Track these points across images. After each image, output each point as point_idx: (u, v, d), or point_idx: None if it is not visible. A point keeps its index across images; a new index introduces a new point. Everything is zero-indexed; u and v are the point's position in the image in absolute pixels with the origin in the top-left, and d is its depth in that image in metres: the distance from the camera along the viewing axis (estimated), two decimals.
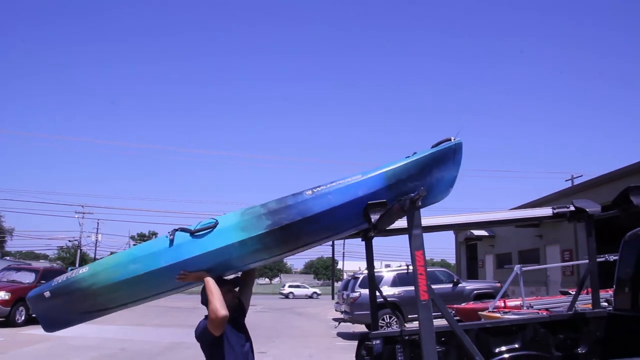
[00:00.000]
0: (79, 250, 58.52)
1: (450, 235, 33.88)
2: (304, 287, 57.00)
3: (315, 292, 55.25)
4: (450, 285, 15.53)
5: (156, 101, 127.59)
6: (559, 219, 4.45)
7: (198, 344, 3.03)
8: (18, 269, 17.31)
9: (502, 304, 11.28)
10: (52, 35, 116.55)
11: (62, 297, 3.19)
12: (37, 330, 13.78)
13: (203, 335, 2.94)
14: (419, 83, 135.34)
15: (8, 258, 34.53)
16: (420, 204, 2.87)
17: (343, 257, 67.05)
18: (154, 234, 62.34)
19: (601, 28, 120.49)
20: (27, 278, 15.96)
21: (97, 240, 59.38)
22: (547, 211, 4.42)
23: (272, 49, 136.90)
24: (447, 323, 3.22)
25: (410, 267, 3.01)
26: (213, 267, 3.04)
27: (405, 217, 2.93)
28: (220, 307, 2.82)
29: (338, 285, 38.22)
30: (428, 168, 3.27)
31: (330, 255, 57.13)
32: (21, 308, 14.75)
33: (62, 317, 3.35)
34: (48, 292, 3.22)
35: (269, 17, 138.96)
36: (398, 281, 14.67)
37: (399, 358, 3.91)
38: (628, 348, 3.85)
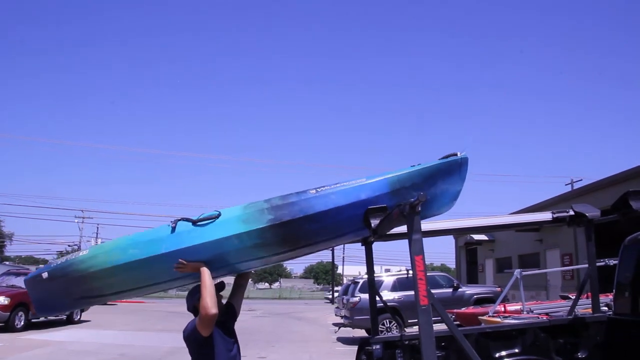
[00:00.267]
0: None
1: (450, 239, 33.95)
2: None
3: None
4: (450, 290, 15.50)
5: (156, 105, 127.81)
6: (558, 224, 4.45)
7: None
8: (17, 274, 17.27)
9: (502, 309, 11.28)
10: (51, 35, 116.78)
11: (59, 279, 3.18)
12: (36, 336, 13.77)
13: (192, 335, 2.94)
14: (417, 84, 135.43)
15: (7, 263, 34.37)
16: (419, 209, 2.88)
17: (343, 261, 66.93)
18: None
19: (601, 28, 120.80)
20: None
21: (96, 245, 59.38)
22: (546, 216, 4.42)
23: (272, 51, 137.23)
24: (447, 328, 3.23)
25: (410, 272, 3.02)
26: (212, 258, 3.04)
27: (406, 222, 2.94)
28: (212, 304, 2.82)
29: (338, 289, 38.14)
30: (433, 179, 3.29)
31: (330, 260, 57.10)
32: (20, 313, 14.72)
33: (57, 301, 3.33)
34: (46, 272, 3.21)
35: (270, 18, 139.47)
36: (398, 286, 14.65)
37: None
38: (628, 353, 3.86)
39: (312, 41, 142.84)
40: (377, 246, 4.46)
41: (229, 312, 3.25)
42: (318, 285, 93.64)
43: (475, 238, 27.80)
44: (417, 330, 2.98)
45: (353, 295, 14.82)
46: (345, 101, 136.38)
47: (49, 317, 16.07)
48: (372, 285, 4.56)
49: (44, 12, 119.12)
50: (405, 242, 3.05)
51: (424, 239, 3.00)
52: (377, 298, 4.56)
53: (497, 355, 3.95)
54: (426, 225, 3.88)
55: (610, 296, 5.24)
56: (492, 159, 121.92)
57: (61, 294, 3.27)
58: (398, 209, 2.96)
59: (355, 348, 4.22)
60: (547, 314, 9.62)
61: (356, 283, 15.42)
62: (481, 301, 15.03)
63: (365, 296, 11.42)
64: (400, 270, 16.88)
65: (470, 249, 31.44)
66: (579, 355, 4.00)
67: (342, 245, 51.32)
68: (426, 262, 3.00)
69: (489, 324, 8.18)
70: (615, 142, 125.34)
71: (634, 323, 4.02)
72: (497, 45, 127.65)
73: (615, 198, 4.21)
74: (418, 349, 3.25)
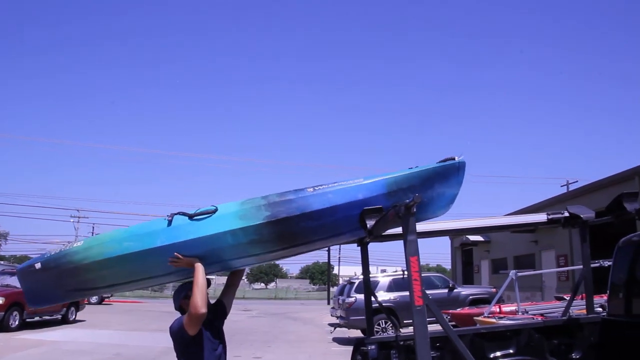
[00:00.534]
0: None
1: (445, 240, 33.93)
2: None
3: None
4: (446, 291, 15.54)
5: (156, 105, 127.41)
6: (553, 225, 4.48)
7: None
8: (12, 273, 17.18)
9: (498, 309, 11.33)
10: (51, 35, 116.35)
11: (52, 270, 3.14)
12: (30, 335, 13.71)
13: (179, 332, 2.92)
14: (417, 84, 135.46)
15: (2, 262, 34.19)
16: (415, 210, 2.90)
17: (339, 262, 67.01)
18: None
19: (601, 28, 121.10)
20: None
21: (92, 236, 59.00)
22: (541, 217, 4.45)
23: (272, 51, 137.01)
24: (441, 328, 3.24)
25: (406, 273, 3.03)
26: (207, 253, 3.03)
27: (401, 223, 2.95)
28: (202, 303, 2.80)
29: (334, 290, 38.16)
30: (430, 182, 3.30)
31: (326, 260, 57.10)
32: (15, 313, 14.65)
33: (49, 292, 3.29)
34: (39, 263, 3.17)
35: (270, 18, 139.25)
36: (394, 286, 14.68)
37: None
38: (622, 353, 3.88)
39: (312, 41, 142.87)
40: (372, 247, 4.49)
41: (218, 311, 3.23)
42: (314, 285, 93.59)
43: (471, 239, 27.89)
44: (412, 330, 2.99)
45: (349, 296, 14.83)
46: (345, 101, 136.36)
47: (43, 317, 16.02)
48: (367, 286, 4.57)
49: (44, 12, 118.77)
50: (401, 242, 3.06)
51: (419, 239, 3.01)
52: (373, 298, 4.57)
53: (491, 355, 3.97)
54: (422, 226, 3.89)
55: (605, 297, 5.26)
56: (488, 160, 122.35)
57: (54, 286, 3.22)
58: (394, 210, 2.97)
59: (350, 348, 4.23)
60: (542, 314, 9.67)
61: (352, 283, 15.43)
62: (476, 302, 15.08)
63: (361, 296, 11.43)
64: (396, 271, 16.92)
65: (466, 250, 31.52)
66: (573, 355, 4.03)
67: (337, 246, 51.37)
68: (422, 263, 3.01)
69: (484, 325, 8.20)
70: (611, 144, 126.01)
71: (628, 324, 4.04)
72: (497, 45, 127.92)
73: (609, 200, 4.24)
74: (413, 349, 3.25)
